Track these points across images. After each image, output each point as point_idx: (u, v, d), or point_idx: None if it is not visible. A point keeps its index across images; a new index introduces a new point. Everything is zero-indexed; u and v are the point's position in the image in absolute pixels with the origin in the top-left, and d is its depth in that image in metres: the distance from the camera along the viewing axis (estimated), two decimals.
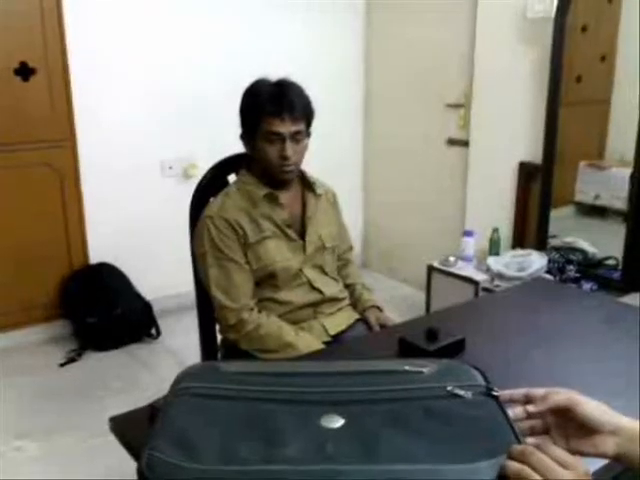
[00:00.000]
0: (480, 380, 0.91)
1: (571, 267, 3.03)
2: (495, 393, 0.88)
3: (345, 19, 4.08)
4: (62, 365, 3.11)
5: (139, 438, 0.93)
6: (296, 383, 0.93)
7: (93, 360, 3.19)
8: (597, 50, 3.21)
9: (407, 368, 0.95)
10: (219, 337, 2.01)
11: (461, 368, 0.96)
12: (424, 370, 0.94)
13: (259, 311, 1.84)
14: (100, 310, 3.24)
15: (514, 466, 0.75)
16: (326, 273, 1.97)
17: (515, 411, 0.88)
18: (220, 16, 3.59)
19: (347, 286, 2.08)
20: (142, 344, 3.36)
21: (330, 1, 3.95)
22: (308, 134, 1.86)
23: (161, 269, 3.54)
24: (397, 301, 3.70)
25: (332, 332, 1.90)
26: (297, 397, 0.90)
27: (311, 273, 1.92)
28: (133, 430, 1.13)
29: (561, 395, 0.88)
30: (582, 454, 0.86)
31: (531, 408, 0.88)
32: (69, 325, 3.37)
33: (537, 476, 0.74)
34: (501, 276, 3.06)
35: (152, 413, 1.09)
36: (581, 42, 3.17)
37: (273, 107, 1.76)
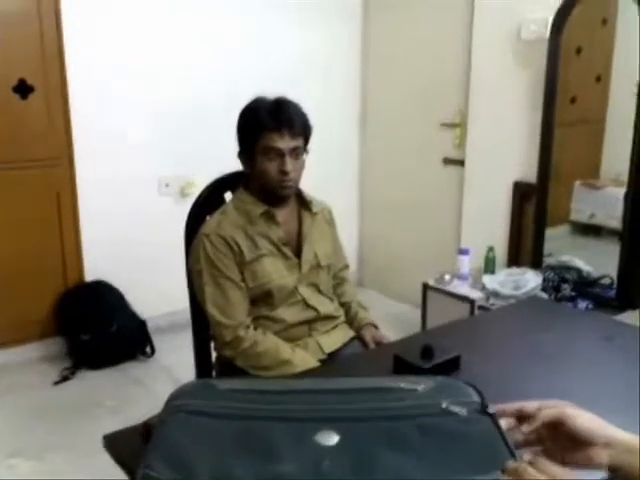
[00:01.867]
0: (475, 397, 0.92)
1: (566, 286, 3.04)
2: (490, 410, 0.88)
3: (342, 40, 4.13)
4: (56, 383, 3.09)
5: (133, 456, 0.93)
6: (291, 400, 0.93)
7: (87, 378, 3.18)
8: (592, 71, 3.25)
9: (402, 385, 0.95)
10: (214, 355, 2.00)
11: (456, 385, 0.96)
12: (419, 387, 0.94)
13: (255, 329, 1.84)
14: (95, 328, 3.23)
15: None
16: (321, 291, 1.97)
17: (508, 421, 0.89)
18: (217, 30, 3.63)
19: (342, 304, 2.08)
20: (137, 362, 3.35)
21: (329, 16, 4.00)
22: (306, 151, 1.87)
23: (157, 287, 3.53)
24: (392, 319, 3.70)
25: (327, 350, 1.90)
26: (292, 414, 0.90)
27: (306, 291, 1.92)
28: (127, 448, 1.12)
29: (553, 409, 0.88)
30: (577, 467, 0.86)
31: (525, 428, 0.88)
32: (64, 343, 3.36)
33: None
34: (496, 294, 3.07)
35: (146, 431, 1.08)
36: (575, 63, 3.20)
37: (272, 123, 1.77)
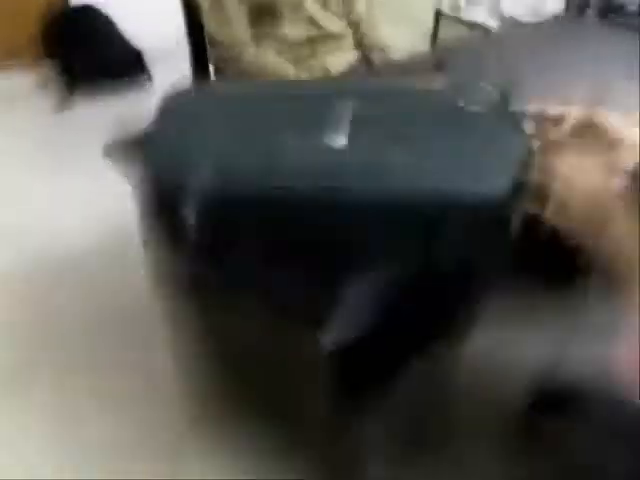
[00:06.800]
0: (494, 95, 0.85)
1: (590, 11, 2.82)
2: (512, 109, 0.82)
3: None
4: (55, 113, 3.01)
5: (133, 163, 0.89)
6: (299, 102, 0.87)
7: (83, 109, 3.08)
8: None
9: (416, 85, 0.88)
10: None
11: (474, 85, 0.89)
12: (435, 86, 0.87)
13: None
14: (86, 54, 3.07)
15: None
16: (329, 7, 1.83)
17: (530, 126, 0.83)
18: None
19: (350, 24, 1.92)
20: (133, 90, 3.22)
21: None
22: None
23: (151, 12, 3.27)
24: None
25: (333, 71, 1.81)
26: (300, 115, 0.84)
27: (312, 6, 1.78)
28: (127, 155, 1.09)
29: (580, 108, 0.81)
30: None
31: (555, 133, 0.82)
32: (56, 70, 3.18)
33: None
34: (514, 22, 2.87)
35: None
36: None
37: None
